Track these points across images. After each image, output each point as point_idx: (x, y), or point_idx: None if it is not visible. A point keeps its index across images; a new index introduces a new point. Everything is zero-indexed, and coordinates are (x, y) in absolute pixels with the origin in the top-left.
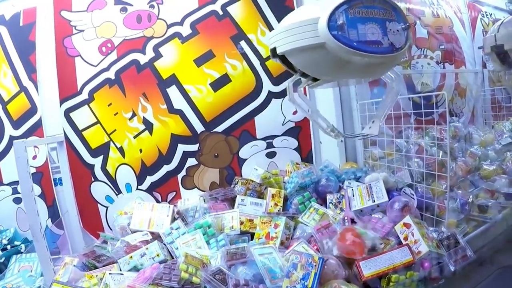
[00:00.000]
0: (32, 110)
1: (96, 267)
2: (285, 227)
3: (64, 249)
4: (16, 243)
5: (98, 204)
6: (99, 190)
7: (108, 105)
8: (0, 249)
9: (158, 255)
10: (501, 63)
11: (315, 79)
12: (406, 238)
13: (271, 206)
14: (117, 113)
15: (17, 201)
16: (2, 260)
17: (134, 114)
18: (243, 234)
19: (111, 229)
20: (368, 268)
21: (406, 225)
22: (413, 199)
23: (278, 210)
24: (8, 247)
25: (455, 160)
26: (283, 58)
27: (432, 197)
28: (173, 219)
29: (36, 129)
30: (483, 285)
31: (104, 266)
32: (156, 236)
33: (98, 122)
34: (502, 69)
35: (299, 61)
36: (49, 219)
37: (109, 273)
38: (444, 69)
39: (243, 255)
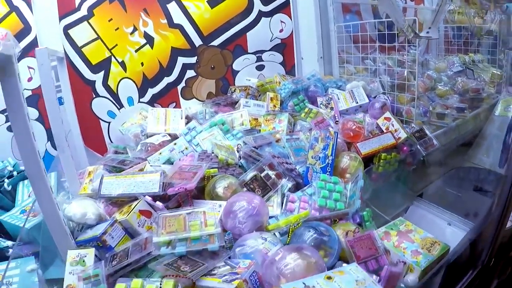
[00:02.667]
0: (25, 30)
1: (122, 171)
2: (288, 122)
3: None
4: (22, 168)
5: (100, 120)
6: (101, 106)
7: (109, 21)
8: (6, 177)
9: (186, 148)
10: None
11: None
12: (387, 129)
13: (270, 107)
14: (118, 28)
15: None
16: (9, 188)
17: (135, 29)
18: (252, 130)
19: (111, 148)
20: (364, 148)
21: (387, 118)
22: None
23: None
24: (15, 173)
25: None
26: None
27: (400, 105)
28: (186, 122)
29: (31, 49)
30: (441, 181)
31: (130, 168)
32: (173, 138)
33: (98, 37)
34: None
35: None
36: (48, 142)
37: (150, 165)
38: (406, 4)
39: (266, 139)
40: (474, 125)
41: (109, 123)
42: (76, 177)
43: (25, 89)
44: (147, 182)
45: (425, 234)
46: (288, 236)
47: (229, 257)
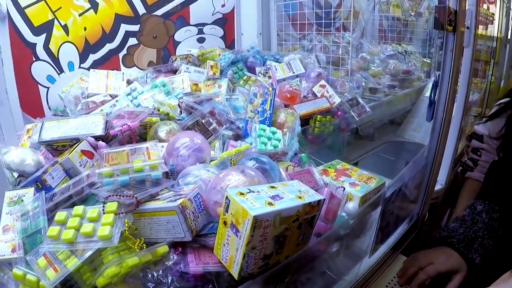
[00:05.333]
0: None
1: None
2: (227, 87)
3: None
4: None
5: (39, 85)
6: (40, 70)
7: None
8: None
9: (128, 105)
10: None
11: None
12: (322, 95)
13: (210, 75)
14: None
15: None
16: None
17: None
18: (193, 94)
19: (50, 110)
20: (300, 110)
21: (322, 86)
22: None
23: None
24: None
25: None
26: None
27: (334, 79)
28: (127, 85)
29: None
30: (372, 154)
31: None
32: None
33: None
34: None
35: None
36: None
37: None
38: None
39: (207, 96)
40: (404, 103)
41: (48, 88)
42: (15, 133)
43: None
44: (89, 124)
45: (361, 171)
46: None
47: (172, 186)
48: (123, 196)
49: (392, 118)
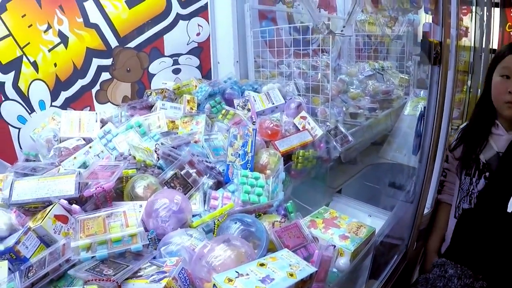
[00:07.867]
0: None
1: None
2: (205, 123)
3: None
4: None
5: (9, 126)
6: (10, 110)
7: (22, 17)
8: None
9: (102, 151)
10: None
11: None
12: (304, 127)
13: (187, 110)
14: (31, 25)
15: None
16: None
17: (49, 27)
18: (170, 133)
19: (23, 154)
20: (282, 146)
21: (303, 117)
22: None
23: None
24: None
25: (329, 83)
26: None
27: (314, 106)
28: (101, 126)
29: None
30: (356, 177)
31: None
32: (88, 142)
33: (10, 34)
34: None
35: None
36: None
37: (65, 169)
38: (320, 13)
39: (184, 139)
40: (385, 124)
41: (19, 129)
42: None
43: None
44: (62, 184)
45: (350, 219)
46: (214, 231)
47: (154, 257)
48: (103, 279)
49: (374, 140)
